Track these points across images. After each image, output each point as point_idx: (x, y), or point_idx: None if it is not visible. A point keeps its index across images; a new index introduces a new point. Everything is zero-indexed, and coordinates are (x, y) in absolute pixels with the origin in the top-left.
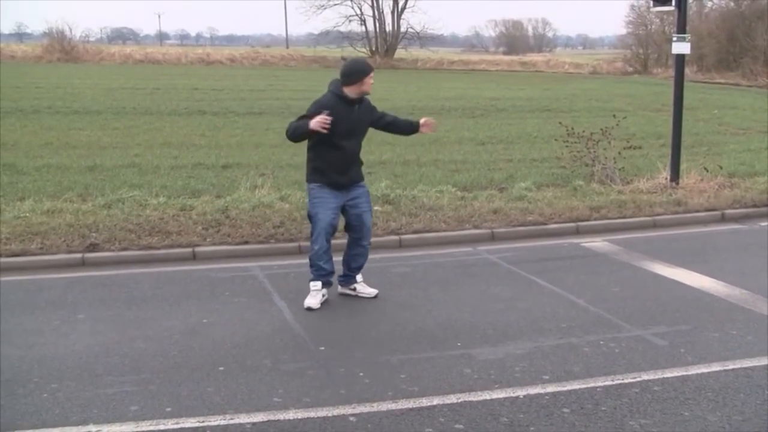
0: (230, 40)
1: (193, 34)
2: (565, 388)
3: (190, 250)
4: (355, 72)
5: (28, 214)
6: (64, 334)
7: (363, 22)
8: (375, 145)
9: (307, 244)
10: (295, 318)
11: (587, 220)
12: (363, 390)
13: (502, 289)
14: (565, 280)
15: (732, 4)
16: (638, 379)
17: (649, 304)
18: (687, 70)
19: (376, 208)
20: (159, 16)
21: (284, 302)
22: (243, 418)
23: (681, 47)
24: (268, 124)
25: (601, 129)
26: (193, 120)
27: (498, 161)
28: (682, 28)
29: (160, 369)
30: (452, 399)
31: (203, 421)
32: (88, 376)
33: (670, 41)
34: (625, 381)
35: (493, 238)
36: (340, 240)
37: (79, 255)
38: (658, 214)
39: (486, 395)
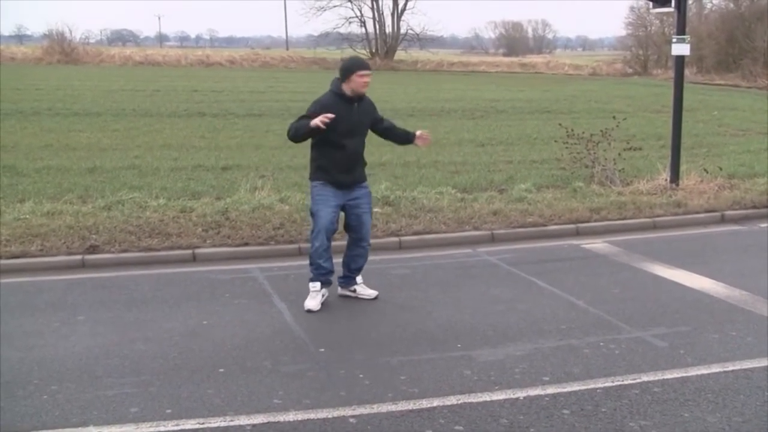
0: (230, 41)
1: (193, 35)
2: (565, 390)
3: (190, 251)
4: (345, 68)
5: (28, 216)
6: (64, 336)
7: (363, 23)
8: (375, 147)
9: (307, 245)
10: (295, 319)
11: (587, 221)
12: (363, 391)
13: (502, 290)
14: (565, 281)
15: (731, 5)
16: (638, 381)
17: (649, 305)
18: (687, 72)
19: (376, 209)
20: (159, 18)
21: (284, 304)
22: (243, 420)
23: (681, 49)
24: (268, 125)
25: (601, 130)
26: (192, 122)
27: (498, 163)
28: (681, 30)
29: (160, 371)
30: (452, 400)
31: (203, 423)
32: (88, 378)
33: (669, 42)
34: (625, 382)
35: (493, 239)
36: (340, 241)
37: (79, 257)
38: (658, 216)
39: (486, 397)
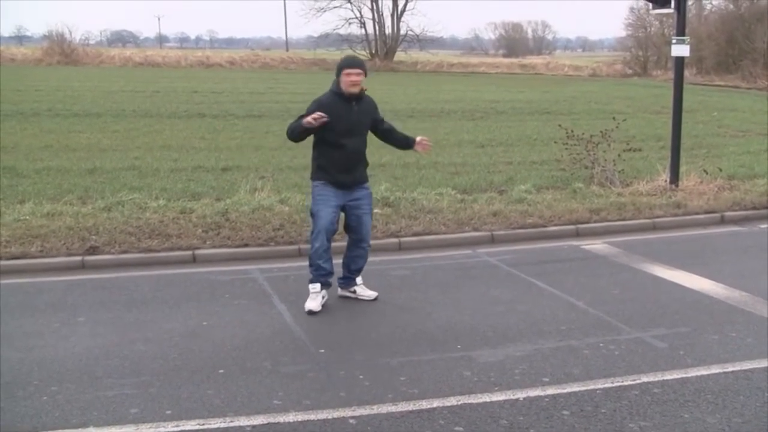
0: (230, 42)
1: (192, 36)
2: (564, 391)
3: (189, 252)
4: (337, 66)
5: (28, 217)
6: (64, 337)
7: (363, 24)
8: (375, 148)
9: (307, 246)
10: (295, 320)
11: (587, 222)
12: (363, 392)
13: (502, 291)
14: (565, 282)
15: (731, 6)
16: (638, 382)
17: (648, 306)
18: (686, 73)
19: (375, 210)
20: (159, 19)
21: (284, 305)
22: (243, 421)
23: (680, 50)
24: (267, 126)
25: (601, 131)
26: (192, 123)
27: (498, 164)
28: (681, 31)
29: (160, 371)
30: (452, 401)
31: (203, 424)
32: (88, 379)
33: (669, 43)
34: (625, 383)
35: (492, 240)
36: (340, 242)
37: (79, 258)
38: (658, 217)
39: (486, 397)
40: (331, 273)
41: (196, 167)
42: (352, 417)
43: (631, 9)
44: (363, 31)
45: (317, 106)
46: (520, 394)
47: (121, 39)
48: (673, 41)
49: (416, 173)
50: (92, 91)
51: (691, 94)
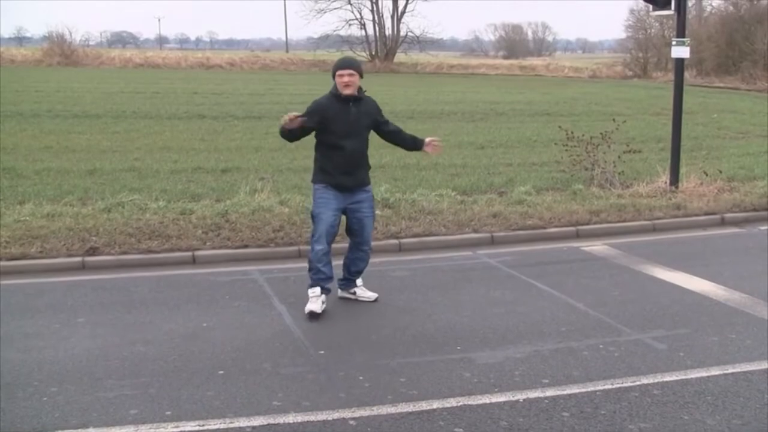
0: (230, 44)
1: (193, 38)
2: (564, 392)
3: (189, 254)
4: (332, 68)
5: (28, 218)
6: (64, 338)
7: (363, 26)
8: (375, 149)
9: (307, 247)
10: (294, 322)
11: (587, 223)
12: (363, 394)
13: (502, 292)
14: (565, 283)
15: (731, 8)
16: (638, 383)
17: (648, 307)
18: (686, 74)
19: (376, 212)
20: (159, 20)
21: (284, 306)
22: (243, 422)
23: (680, 51)
24: (267, 128)
25: (601, 133)
26: (192, 124)
27: (498, 165)
28: (681, 32)
29: (160, 372)
30: (452, 403)
31: (203, 425)
32: (87, 380)
33: (669, 45)
34: (625, 385)
35: (492, 242)
36: (341, 244)
37: (79, 258)
38: (658, 218)
39: (486, 399)
40: (330, 278)
41: (196, 168)
42: (352, 418)
43: (631, 11)
44: (363, 32)
45: (315, 106)
46: (520, 396)
47: (121, 40)
48: (673, 43)
49: (416, 174)
50: (92, 92)
51: (691, 96)
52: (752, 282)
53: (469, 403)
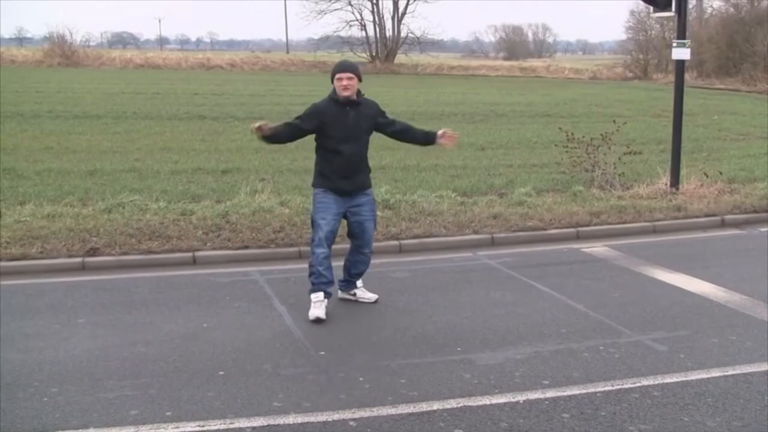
0: (231, 44)
1: (193, 38)
2: (564, 393)
3: (190, 254)
4: (331, 72)
5: (28, 218)
6: (65, 338)
7: (363, 27)
8: (375, 150)
9: (307, 248)
10: (295, 323)
11: (587, 225)
12: (363, 395)
13: (502, 294)
14: (565, 285)
15: (732, 9)
16: (638, 385)
17: (648, 309)
18: (687, 76)
19: (377, 213)
20: (159, 21)
21: (284, 307)
22: (243, 423)
23: (681, 53)
24: None
25: (601, 134)
26: (193, 125)
27: (498, 166)
28: (682, 34)
29: (161, 373)
30: (452, 404)
31: (203, 426)
32: (88, 380)
33: (670, 47)
34: (625, 386)
35: (493, 243)
36: (341, 245)
37: (79, 259)
38: (658, 220)
39: (486, 400)
40: (332, 282)
41: (197, 169)
42: (352, 419)
43: (632, 12)
44: (363, 33)
45: (313, 109)
46: (520, 397)
47: (121, 41)
48: (674, 44)
49: (416, 176)
50: (93, 92)
51: (691, 98)
52: (752, 284)
53: (470, 404)
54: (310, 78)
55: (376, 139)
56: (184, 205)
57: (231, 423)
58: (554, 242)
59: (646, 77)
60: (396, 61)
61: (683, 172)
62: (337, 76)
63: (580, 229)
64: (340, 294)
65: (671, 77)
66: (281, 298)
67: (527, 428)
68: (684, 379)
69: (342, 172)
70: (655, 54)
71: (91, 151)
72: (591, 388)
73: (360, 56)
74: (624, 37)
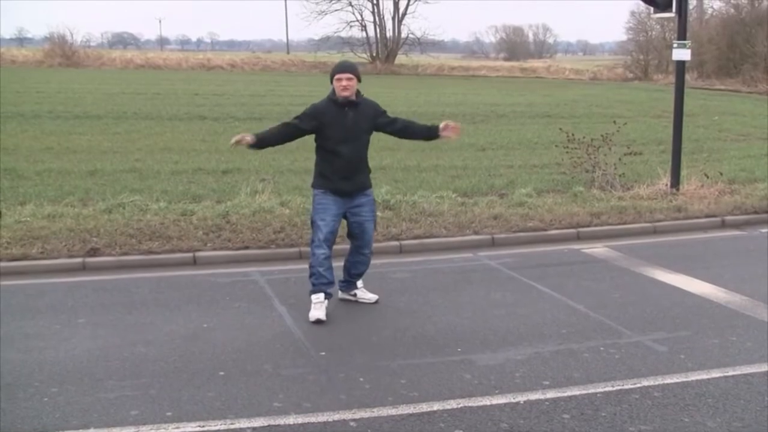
0: (231, 45)
1: (194, 39)
2: (565, 394)
3: (190, 255)
4: (330, 72)
5: (28, 219)
6: (65, 339)
7: (364, 27)
8: (375, 151)
9: (307, 249)
10: (295, 323)
11: (588, 226)
12: (363, 395)
13: (503, 294)
14: (566, 285)
15: (732, 10)
16: (638, 385)
17: (649, 310)
18: (687, 77)
19: (377, 214)
20: (160, 21)
21: (284, 307)
22: (243, 423)
23: (681, 54)
24: None
25: (602, 135)
26: (193, 125)
27: (498, 167)
28: (682, 35)
29: (161, 373)
30: (452, 404)
31: (203, 426)
32: (88, 381)
33: (670, 47)
34: (625, 387)
35: (493, 243)
36: (341, 246)
37: (79, 259)
38: (659, 221)
39: (486, 401)
40: (332, 283)
41: (197, 169)
42: (353, 420)
43: (632, 13)
44: (364, 34)
45: (312, 110)
46: (521, 398)
47: (122, 41)
48: (674, 45)
49: (417, 176)
50: (93, 93)
51: (691, 98)
52: (753, 284)
53: (470, 404)
54: (310, 78)
55: (377, 140)
56: (185, 205)
57: (231, 423)
58: (555, 243)
59: (647, 78)
60: (396, 61)
61: (684, 172)
62: (337, 76)
63: (581, 229)
64: (340, 294)
65: (672, 78)
66: (281, 299)
67: (527, 429)
68: (684, 379)
69: (342, 173)
70: (656, 55)
71: (92, 152)
72: (591, 389)
73: (360, 57)
74: (624, 37)
